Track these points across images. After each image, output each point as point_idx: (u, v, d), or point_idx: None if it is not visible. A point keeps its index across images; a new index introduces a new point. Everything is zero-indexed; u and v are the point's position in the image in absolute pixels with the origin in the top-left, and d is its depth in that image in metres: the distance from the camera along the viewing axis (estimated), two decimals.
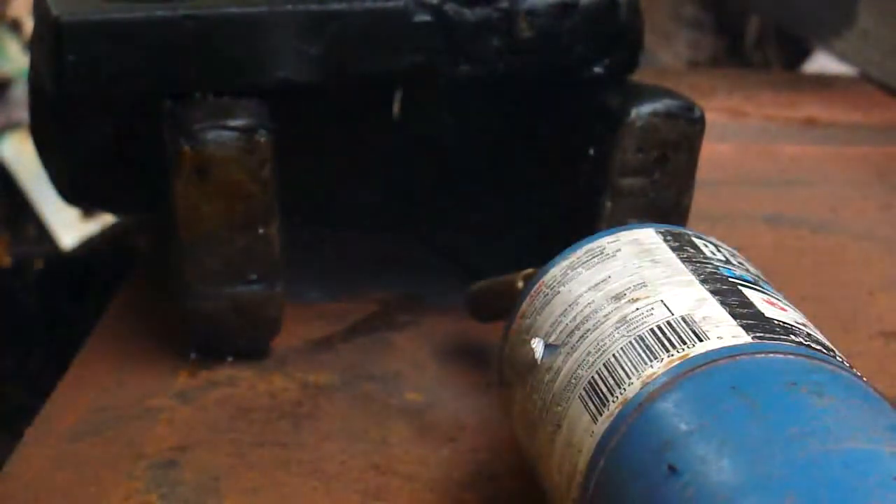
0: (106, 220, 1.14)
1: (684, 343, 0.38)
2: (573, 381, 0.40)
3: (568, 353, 0.41)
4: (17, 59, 1.55)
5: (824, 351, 0.38)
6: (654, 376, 0.37)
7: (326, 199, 0.66)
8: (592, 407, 0.38)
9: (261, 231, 0.53)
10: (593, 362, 0.39)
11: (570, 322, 0.41)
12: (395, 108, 0.66)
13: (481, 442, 0.51)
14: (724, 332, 0.38)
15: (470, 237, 0.66)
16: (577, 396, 0.39)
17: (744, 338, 0.37)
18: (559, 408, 0.40)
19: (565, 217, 0.58)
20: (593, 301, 0.41)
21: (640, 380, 0.37)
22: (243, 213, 0.53)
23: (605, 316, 0.40)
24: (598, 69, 0.57)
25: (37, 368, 0.73)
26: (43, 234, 1.44)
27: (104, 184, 0.62)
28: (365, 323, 0.61)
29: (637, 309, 0.40)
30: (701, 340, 0.38)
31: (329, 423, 0.52)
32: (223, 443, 0.50)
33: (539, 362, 0.42)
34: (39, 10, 0.56)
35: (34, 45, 0.59)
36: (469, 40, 0.56)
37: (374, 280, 0.64)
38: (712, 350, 0.37)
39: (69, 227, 1.40)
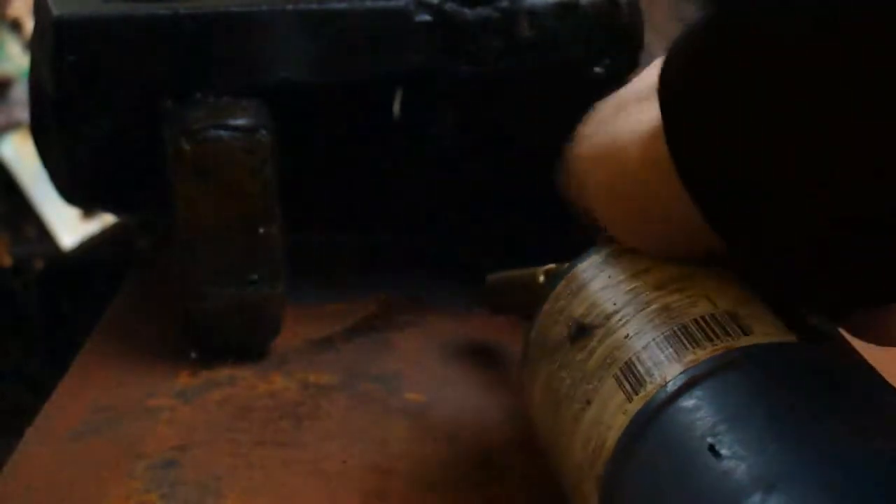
0: (106, 220, 1.14)
1: (728, 335, 0.37)
2: (608, 361, 0.39)
3: (605, 334, 0.40)
4: (17, 59, 1.55)
5: (862, 358, 0.38)
6: (697, 362, 0.37)
7: (326, 199, 0.66)
8: (628, 386, 0.38)
9: (261, 231, 0.53)
10: (632, 345, 0.39)
11: (610, 306, 0.41)
12: (395, 108, 0.66)
13: (482, 442, 0.51)
14: (770, 329, 0.38)
15: (470, 237, 0.66)
16: (611, 375, 0.39)
17: (789, 336, 0.37)
18: (590, 385, 0.40)
19: (566, 217, 0.58)
20: (635, 287, 0.41)
21: (682, 364, 0.37)
22: (243, 213, 0.53)
23: (646, 303, 0.40)
24: (598, 69, 0.57)
25: (37, 368, 0.73)
26: (43, 234, 1.45)
27: (104, 184, 0.62)
28: (365, 323, 0.61)
29: (680, 299, 0.40)
30: (746, 334, 0.37)
31: (329, 423, 0.52)
32: (223, 443, 0.50)
33: (572, 342, 0.42)
34: (39, 9, 0.56)
35: (34, 45, 0.59)
36: (469, 40, 0.56)
37: (374, 280, 0.64)
38: (757, 344, 0.37)
39: (69, 227, 1.40)
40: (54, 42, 0.53)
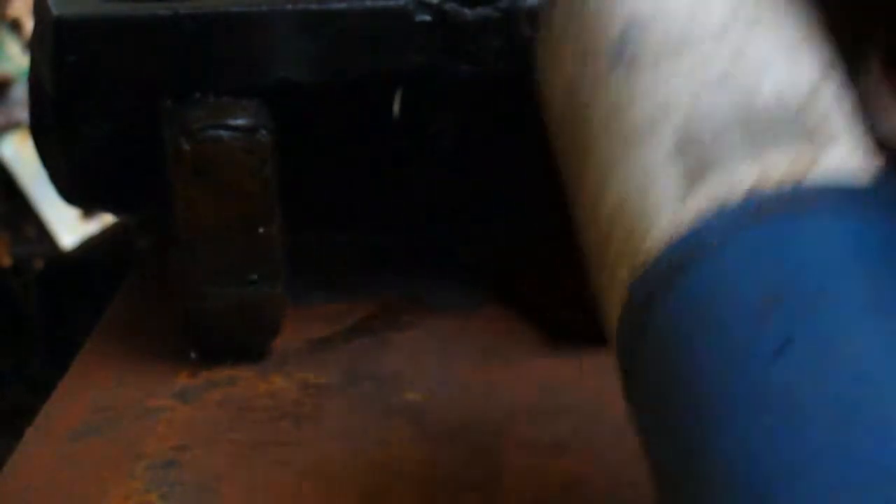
0: (106, 220, 1.14)
1: (811, 139, 0.27)
2: (661, 108, 0.29)
3: (659, 59, 0.29)
4: (17, 59, 1.55)
5: None
6: (778, 175, 0.26)
7: (326, 200, 0.66)
8: (682, 166, 0.28)
9: (261, 231, 0.53)
10: (687, 112, 0.28)
11: (662, 35, 0.29)
12: (395, 108, 0.66)
13: (482, 442, 0.51)
14: (851, 141, 0.27)
15: (470, 237, 0.66)
16: (660, 143, 0.28)
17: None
18: (634, 134, 0.29)
19: (566, 216, 0.58)
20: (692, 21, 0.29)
21: (759, 168, 0.27)
22: (243, 213, 0.53)
23: (705, 55, 0.29)
24: None
25: (37, 368, 0.73)
26: (43, 234, 1.44)
27: (104, 184, 0.62)
28: (365, 323, 0.61)
29: (744, 71, 0.28)
30: (832, 143, 0.27)
31: (329, 423, 0.52)
32: (223, 443, 0.50)
33: (615, 56, 0.30)
34: (39, 9, 0.56)
35: (34, 45, 0.59)
36: (469, 40, 0.56)
37: (374, 280, 0.64)
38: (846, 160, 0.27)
39: (69, 227, 1.40)
40: (54, 42, 0.53)
